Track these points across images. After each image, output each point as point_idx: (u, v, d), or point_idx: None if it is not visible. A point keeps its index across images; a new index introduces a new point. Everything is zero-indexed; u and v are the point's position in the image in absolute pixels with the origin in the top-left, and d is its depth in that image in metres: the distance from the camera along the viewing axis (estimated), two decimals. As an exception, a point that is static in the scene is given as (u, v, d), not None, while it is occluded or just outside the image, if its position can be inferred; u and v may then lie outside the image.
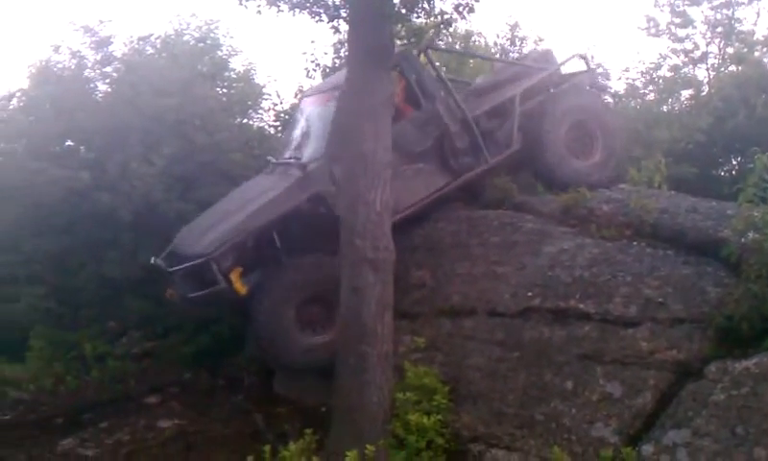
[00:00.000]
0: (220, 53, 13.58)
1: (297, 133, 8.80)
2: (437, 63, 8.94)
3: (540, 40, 15.20)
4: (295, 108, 8.99)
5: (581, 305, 6.09)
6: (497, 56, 13.47)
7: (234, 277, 7.26)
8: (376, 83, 6.07)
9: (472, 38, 13.97)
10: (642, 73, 15.78)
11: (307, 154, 8.08)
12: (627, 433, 5.08)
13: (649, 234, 6.90)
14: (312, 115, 8.63)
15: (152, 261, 8.05)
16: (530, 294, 6.50)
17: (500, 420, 5.80)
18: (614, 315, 5.86)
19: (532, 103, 8.81)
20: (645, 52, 26.42)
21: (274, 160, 8.54)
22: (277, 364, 7.48)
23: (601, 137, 8.88)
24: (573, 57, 9.49)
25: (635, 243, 6.79)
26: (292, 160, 7.97)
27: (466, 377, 6.33)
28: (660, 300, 5.80)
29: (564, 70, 9.42)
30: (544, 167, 8.66)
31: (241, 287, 7.25)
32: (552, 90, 9.04)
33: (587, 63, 9.64)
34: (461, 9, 6.18)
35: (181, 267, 7.53)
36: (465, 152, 8.30)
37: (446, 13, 6.28)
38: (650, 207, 7.08)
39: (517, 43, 15.57)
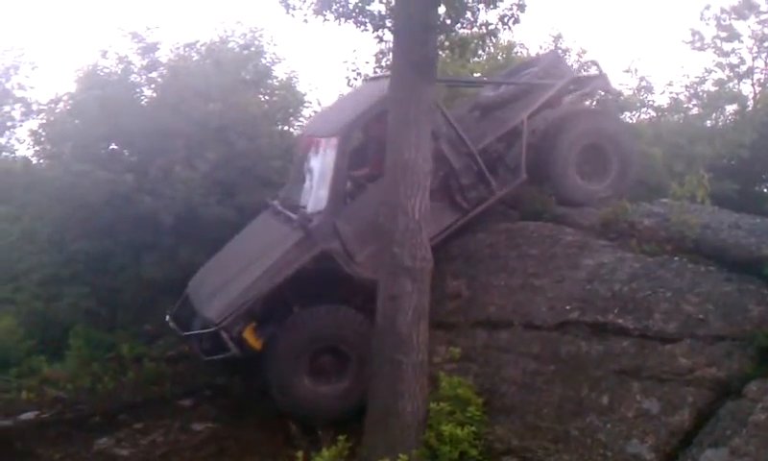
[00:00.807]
0: (263, 60, 13.76)
1: (299, 172, 8.59)
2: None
3: (584, 52, 15.08)
4: (297, 143, 8.85)
5: (620, 320, 6.01)
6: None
7: (248, 334, 7.29)
8: (419, 93, 6.08)
9: (515, 50, 13.91)
10: (686, 87, 15.54)
11: (310, 204, 7.89)
12: (663, 451, 5.01)
13: (691, 250, 6.78)
14: (311, 160, 8.33)
15: (166, 319, 8.10)
16: (568, 307, 6.43)
17: (534, 433, 5.76)
18: (654, 331, 5.77)
19: (543, 120, 8.64)
20: (689, 66, 25.96)
21: (277, 205, 8.40)
22: (292, 414, 7.33)
23: (616, 160, 8.65)
24: (586, 63, 9.27)
25: (676, 258, 6.66)
26: (294, 217, 7.70)
27: (500, 390, 6.31)
28: (700, 316, 5.70)
29: (576, 75, 9.20)
30: (553, 190, 8.49)
31: (256, 342, 7.27)
32: (564, 100, 8.85)
33: (598, 68, 9.33)
34: (506, 19, 6.16)
35: (192, 333, 7.65)
36: (472, 187, 8.05)
37: (491, 24, 6.27)
38: (692, 223, 6.97)
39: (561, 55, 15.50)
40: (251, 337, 7.27)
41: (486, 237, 8.02)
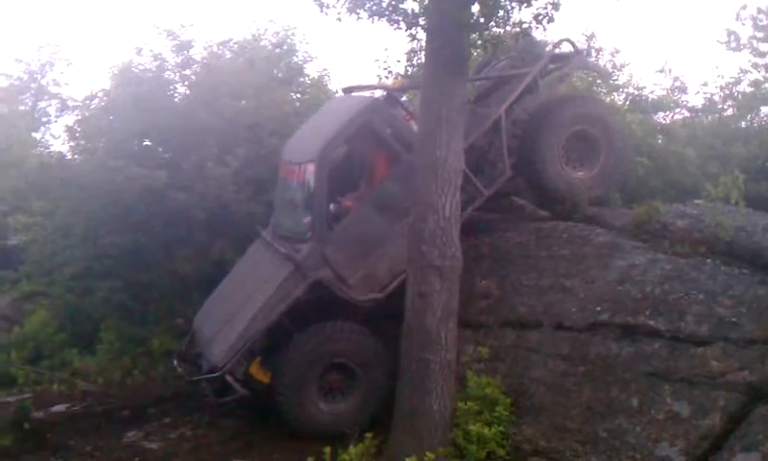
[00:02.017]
0: (295, 58, 13.82)
1: (283, 199, 8.43)
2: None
3: (617, 52, 14.97)
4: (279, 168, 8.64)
5: (651, 322, 5.95)
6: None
7: (254, 369, 7.33)
8: (452, 90, 6.07)
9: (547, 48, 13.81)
10: (721, 88, 15.33)
11: (296, 233, 7.89)
12: (693, 454, 4.97)
13: (724, 252, 6.69)
14: (292, 186, 8.17)
15: (174, 364, 8.13)
16: (598, 308, 6.38)
17: (563, 435, 5.74)
18: (685, 333, 5.71)
19: (525, 110, 8.45)
20: (724, 66, 25.62)
21: (266, 236, 8.38)
22: (304, 433, 7.26)
23: (604, 145, 8.43)
24: (561, 41, 8.86)
25: (709, 260, 6.58)
26: (282, 250, 7.70)
27: (528, 390, 6.30)
28: (733, 319, 5.62)
29: (553, 54, 8.85)
30: (539, 182, 8.39)
31: (263, 377, 7.31)
32: (543, 84, 8.62)
33: (573, 46, 8.97)
34: (540, 18, 6.11)
35: (199, 378, 7.69)
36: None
37: (525, 23, 6.23)
38: (726, 224, 6.88)
39: (593, 54, 15.38)
40: (257, 372, 7.32)
41: (516, 236, 7.98)
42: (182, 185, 9.66)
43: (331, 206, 8.09)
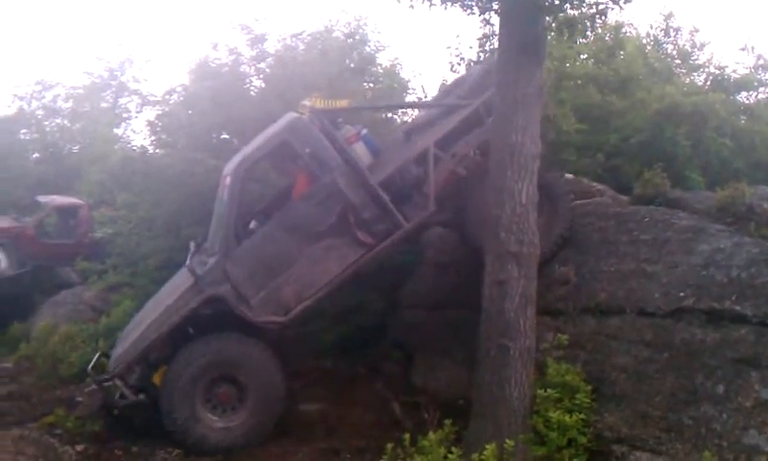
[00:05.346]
0: (368, 48, 13.89)
1: (216, 210, 8.22)
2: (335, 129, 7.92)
3: (696, 31, 14.53)
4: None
5: (737, 307, 5.77)
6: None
7: (158, 378, 7.29)
8: (527, 74, 6.00)
9: (623, 30, 13.51)
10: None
11: (209, 246, 7.81)
12: (784, 443, 4.81)
13: (813, 235, 6.46)
14: (220, 197, 8.04)
15: (88, 369, 8.00)
16: (682, 294, 6.22)
17: (645, 422, 5.64)
18: (774, 318, 5.52)
19: (469, 144, 7.78)
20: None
21: (192, 248, 8.28)
22: (187, 445, 7.15)
23: (546, 211, 7.42)
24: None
25: (797, 243, 6.35)
26: (187, 262, 7.69)
27: (610, 377, 6.19)
28: (823, 303, 5.41)
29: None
30: (459, 227, 7.98)
31: None
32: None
33: None
34: (616, -2, 5.99)
35: (95, 385, 7.62)
36: (376, 220, 7.44)
37: (601, 3, 6.10)
38: (815, 206, 6.63)
39: (671, 34, 14.97)
40: (160, 381, 7.27)
41: (595, 222, 7.82)
42: (259, 177, 9.80)
43: (252, 223, 8.05)
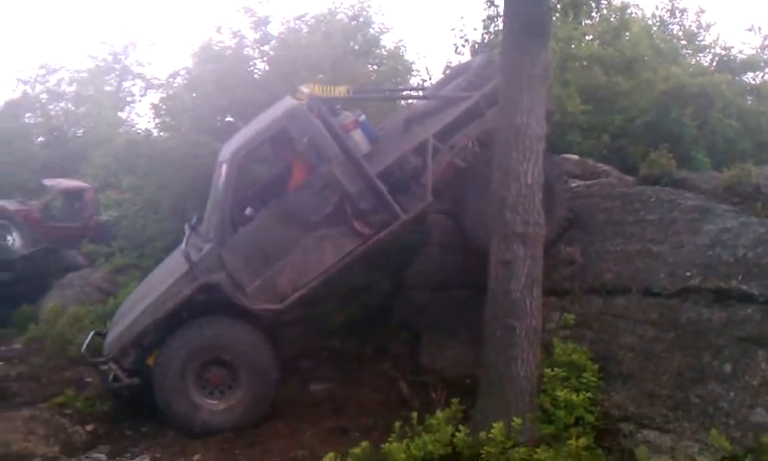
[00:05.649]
0: (372, 30, 13.87)
1: (211, 196, 8.18)
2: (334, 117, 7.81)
3: (702, 12, 14.48)
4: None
5: (744, 287, 5.77)
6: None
7: (152, 361, 7.32)
8: (532, 55, 5.97)
9: (628, 11, 13.46)
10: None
11: (204, 232, 7.84)
12: (790, 420, 4.83)
13: (821, 214, 6.46)
14: (216, 184, 8.02)
15: (81, 350, 8.04)
16: (688, 274, 6.22)
17: (652, 401, 5.66)
18: (780, 297, 5.53)
19: (468, 136, 7.77)
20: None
21: (187, 230, 8.29)
22: (178, 426, 7.24)
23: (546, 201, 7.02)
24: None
25: (804, 223, 6.35)
26: (182, 247, 7.72)
27: (616, 356, 6.21)
28: (830, 282, 5.42)
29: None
30: (460, 230, 7.93)
31: None
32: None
33: None
34: (619, -22, 5.97)
35: (91, 364, 7.65)
36: (373, 211, 7.40)
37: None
38: (823, 186, 6.63)
39: (677, 15, 14.92)
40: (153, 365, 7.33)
41: (601, 202, 7.82)
42: (263, 159, 9.82)
43: (247, 210, 8.04)
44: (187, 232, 8.17)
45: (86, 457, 6.86)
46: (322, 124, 7.43)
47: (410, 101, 10.29)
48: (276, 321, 7.85)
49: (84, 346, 7.95)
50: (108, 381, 7.55)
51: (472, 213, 7.47)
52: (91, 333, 8.27)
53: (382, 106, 10.87)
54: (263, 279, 7.29)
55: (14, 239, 13.43)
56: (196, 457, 6.58)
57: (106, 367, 7.42)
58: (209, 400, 7.27)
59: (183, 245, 7.73)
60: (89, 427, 7.59)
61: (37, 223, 14.78)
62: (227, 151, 7.96)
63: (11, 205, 15.06)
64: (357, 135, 7.76)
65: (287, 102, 7.92)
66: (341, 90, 8.18)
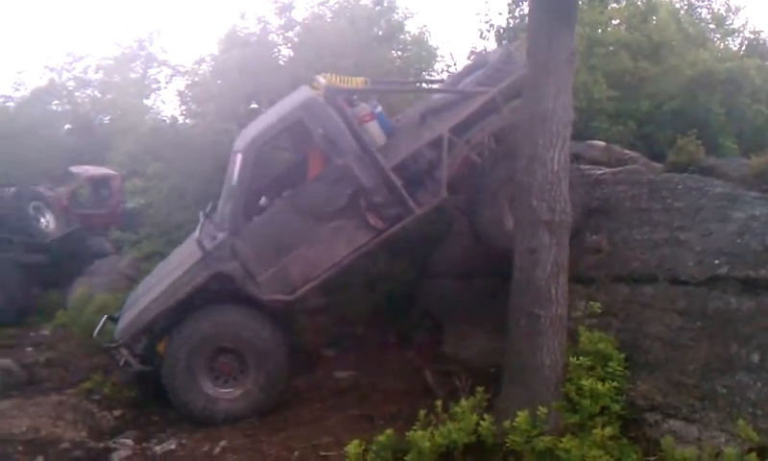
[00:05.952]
0: (396, 15, 13.82)
1: (226, 185, 8.20)
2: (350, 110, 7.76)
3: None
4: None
5: (773, 275, 5.68)
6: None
7: (162, 347, 7.36)
8: (559, 40, 5.90)
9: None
10: None
11: (218, 220, 7.85)
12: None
13: None
14: (230, 173, 7.98)
15: (93, 334, 8.11)
16: (717, 262, 6.14)
17: (679, 390, 5.61)
18: (810, 286, 5.44)
19: (483, 131, 7.76)
20: None
21: (201, 217, 8.26)
22: (187, 415, 7.29)
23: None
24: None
25: (834, 211, 6.24)
26: (196, 234, 7.68)
27: (643, 346, 6.15)
28: None
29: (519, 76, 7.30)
30: (473, 227, 7.82)
31: None
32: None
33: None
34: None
35: (103, 349, 7.72)
36: (388, 204, 7.43)
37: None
38: None
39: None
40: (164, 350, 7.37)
41: (628, 189, 7.72)
42: (287, 146, 9.83)
43: (262, 200, 8.04)
44: (201, 220, 8.18)
45: (114, 442, 6.93)
46: (337, 115, 7.42)
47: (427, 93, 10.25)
48: (288, 311, 7.88)
49: (97, 330, 8.05)
50: (120, 365, 7.67)
51: (485, 212, 7.48)
52: (104, 318, 8.35)
53: (402, 96, 10.83)
54: (275, 270, 7.32)
55: (48, 221, 13.56)
56: (222, 443, 6.62)
57: (116, 352, 7.49)
58: (224, 390, 7.31)
59: (197, 233, 7.75)
60: (117, 413, 7.68)
61: (65, 210, 14.91)
62: (242, 140, 7.95)
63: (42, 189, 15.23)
64: (373, 128, 7.73)
65: (304, 92, 7.91)
66: (358, 81, 8.17)
